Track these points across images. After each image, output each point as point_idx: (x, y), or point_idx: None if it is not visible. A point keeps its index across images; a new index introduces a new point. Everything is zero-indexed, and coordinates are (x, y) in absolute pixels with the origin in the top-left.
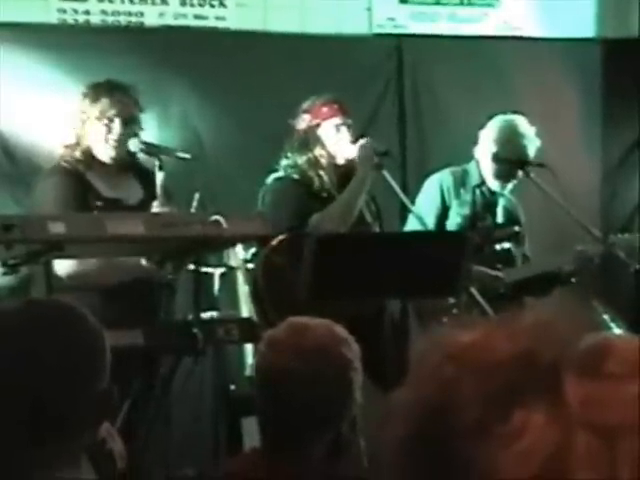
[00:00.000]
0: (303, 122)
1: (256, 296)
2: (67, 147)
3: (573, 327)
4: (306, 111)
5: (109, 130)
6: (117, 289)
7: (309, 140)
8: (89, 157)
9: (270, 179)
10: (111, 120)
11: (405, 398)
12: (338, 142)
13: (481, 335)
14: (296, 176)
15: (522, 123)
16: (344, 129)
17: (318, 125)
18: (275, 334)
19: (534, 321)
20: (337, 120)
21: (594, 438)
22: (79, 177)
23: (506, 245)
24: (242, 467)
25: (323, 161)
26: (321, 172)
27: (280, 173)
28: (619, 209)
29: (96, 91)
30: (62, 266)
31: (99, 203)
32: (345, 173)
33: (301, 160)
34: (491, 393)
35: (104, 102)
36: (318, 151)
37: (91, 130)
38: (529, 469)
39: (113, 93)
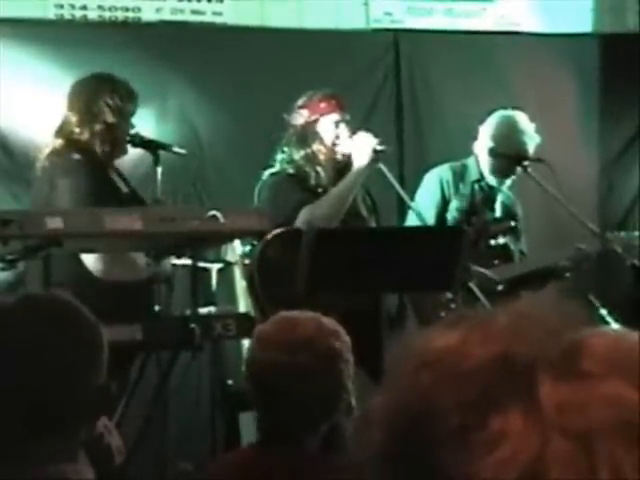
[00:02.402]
0: (301, 117)
1: (252, 291)
2: (84, 134)
3: (551, 325)
4: (303, 106)
5: (132, 126)
6: (116, 285)
7: (307, 135)
8: (110, 149)
9: (266, 174)
10: (131, 116)
11: (382, 406)
12: (337, 138)
13: (455, 340)
14: (291, 171)
15: (522, 119)
16: (342, 125)
17: (316, 121)
18: (264, 329)
19: (509, 321)
20: (336, 116)
21: (571, 443)
22: (102, 169)
23: (501, 240)
24: (237, 462)
25: (321, 157)
26: (318, 168)
27: (275, 168)
28: (616, 203)
29: (123, 87)
30: (92, 261)
31: (120, 197)
32: (343, 169)
33: (298, 155)
34: (468, 399)
35: (133, 99)
36: (316, 146)
37: (124, 122)
38: (509, 477)
39: (129, 89)
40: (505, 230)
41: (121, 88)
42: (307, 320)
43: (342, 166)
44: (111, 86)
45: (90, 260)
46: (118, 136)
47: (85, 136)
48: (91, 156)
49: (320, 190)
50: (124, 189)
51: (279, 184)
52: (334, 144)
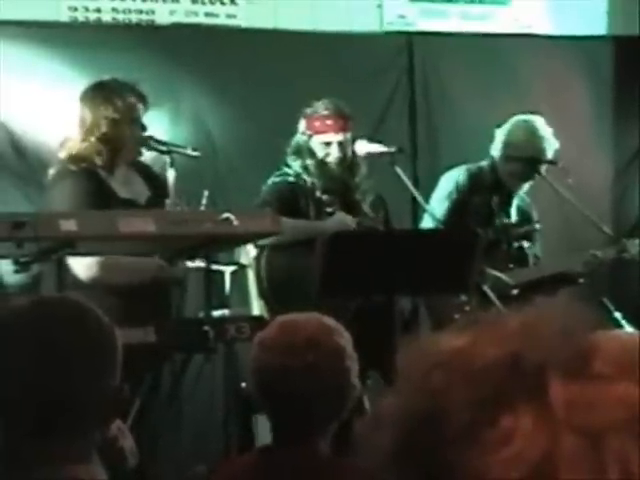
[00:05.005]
0: (301, 126)
1: (263, 294)
2: (83, 147)
3: (562, 327)
4: (306, 116)
5: (140, 130)
6: (129, 287)
7: (301, 148)
8: (111, 158)
9: (269, 180)
10: (138, 120)
11: (393, 406)
12: (326, 156)
13: (467, 341)
14: (292, 179)
15: (541, 125)
16: (334, 146)
17: (310, 136)
18: (267, 335)
19: (520, 323)
20: (327, 137)
21: (581, 441)
22: (97, 179)
23: (517, 244)
24: (247, 465)
25: (314, 170)
26: (313, 179)
27: (279, 174)
28: (630, 207)
29: (120, 91)
30: (80, 268)
31: (115, 204)
32: (350, 167)
33: (295, 164)
34: (479, 399)
35: (131, 103)
36: (309, 160)
37: (122, 131)
38: (518, 474)
39: (134, 93)
40: (527, 233)
41: (115, 96)
42: (307, 321)
43: (341, 176)
44: (103, 95)
45: (79, 266)
46: (116, 143)
47: (78, 147)
48: (85, 165)
49: (322, 196)
50: (125, 195)
51: (271, 193)
52: (323, 162)
